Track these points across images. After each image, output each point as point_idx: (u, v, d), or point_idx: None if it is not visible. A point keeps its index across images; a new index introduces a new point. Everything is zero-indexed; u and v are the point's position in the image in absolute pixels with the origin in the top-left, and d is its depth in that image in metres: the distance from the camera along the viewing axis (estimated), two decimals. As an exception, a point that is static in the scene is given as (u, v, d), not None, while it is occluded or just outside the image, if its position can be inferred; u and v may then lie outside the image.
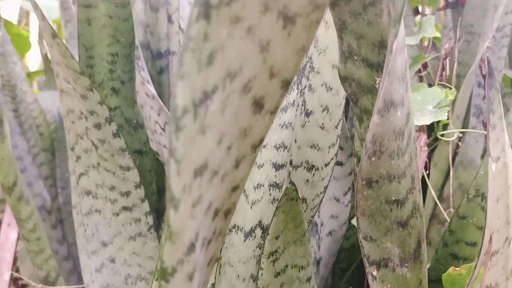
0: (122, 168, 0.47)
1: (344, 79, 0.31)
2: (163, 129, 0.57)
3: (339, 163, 0.51)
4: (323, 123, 0.38)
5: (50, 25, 0.40)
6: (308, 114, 0.38)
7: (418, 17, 0.74)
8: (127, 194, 0.49)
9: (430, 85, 0.54)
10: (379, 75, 0.29)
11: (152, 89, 0.54)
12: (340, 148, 0.51)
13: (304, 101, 0.38)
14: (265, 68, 0.20)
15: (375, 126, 0.25)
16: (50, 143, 0.86)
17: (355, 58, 0.29)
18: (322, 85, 0.37)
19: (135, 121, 0.51)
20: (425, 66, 0.52)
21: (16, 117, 0.83)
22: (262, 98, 0.21)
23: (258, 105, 0.21)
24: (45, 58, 1.05)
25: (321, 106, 0.38)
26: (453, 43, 0.49)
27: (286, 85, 0.21)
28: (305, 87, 0.38)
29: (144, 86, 0.55)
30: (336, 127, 0.38)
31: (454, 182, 0.49)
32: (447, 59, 0.48)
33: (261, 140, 0.23)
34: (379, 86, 0.28)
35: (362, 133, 0.33)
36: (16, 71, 0.83)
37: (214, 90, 0.17)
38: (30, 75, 1.19)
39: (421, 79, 0.54)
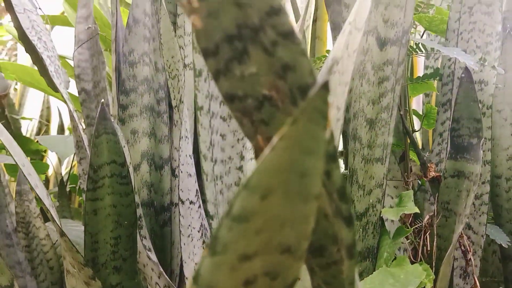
0: None
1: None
2: (163, 291, 0.59)
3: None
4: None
5: (58, 225, 0.45)
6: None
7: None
8: None
9: (413, 250, 0.56)
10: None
11: (153, 257, 0.57)
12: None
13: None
14: None
15: None
16: (59, 276, 0.89)
17: (325, 296, 0.33)
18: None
19: (135, 292, 0.54)
20: (407, 237, 0.55)
21: (28, 252, 0.87)
22: None
23: None
24: (60, 185, 1.11)
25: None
26: (432, 216, 0.53)
27: None
28: None
29: (146, 251, 0.58)
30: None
31: None
32: (428, 233, 0.52)
33: None
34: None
35: None
36: (31, 208, 0.88)
37: None
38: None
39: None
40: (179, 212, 0.58)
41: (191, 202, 0.59)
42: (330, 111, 0.19)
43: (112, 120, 0.79)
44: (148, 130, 0.67)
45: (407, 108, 0.68)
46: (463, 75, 0.51)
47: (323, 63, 0.63)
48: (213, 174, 0.50)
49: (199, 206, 0.59)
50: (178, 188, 0.58)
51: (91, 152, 0.48)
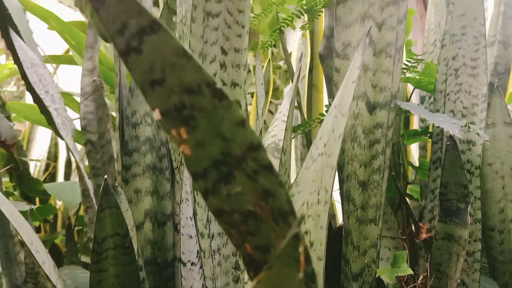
0: None
1: None
2: None
3: None
4: None
5: (65, 300, 0.47)
6: None
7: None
8: None
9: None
10: None
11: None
12: None
13: None
14: None
15: None
16: (67, 324, 0.91)
17: None
18: None
19: None
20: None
21: (36, 302, 0.88)
22: None
23: None
24: (67, 230, 1.14)
25: None
26: (425, 277, 0.55)
27: None
28: None
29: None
30: None
31: None
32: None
33: None
34: None
35: None
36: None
37: None
38: (51, 239, 1.27)
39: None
40: (181, 274, 0.60)
41: (192, 264, 0.61)
42: (301, 257, 0.21)
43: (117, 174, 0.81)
44: (150, 189, 0.70)
45: (402, 162, 0.70)
46: (448, 143, 0.53)
47: (318, 123, 0.65)
48: (210, 250, 0.52)
49: (200, 267, 0.61)
50: (180, 250, 0.60)
51: (95, 226, 0.50)
